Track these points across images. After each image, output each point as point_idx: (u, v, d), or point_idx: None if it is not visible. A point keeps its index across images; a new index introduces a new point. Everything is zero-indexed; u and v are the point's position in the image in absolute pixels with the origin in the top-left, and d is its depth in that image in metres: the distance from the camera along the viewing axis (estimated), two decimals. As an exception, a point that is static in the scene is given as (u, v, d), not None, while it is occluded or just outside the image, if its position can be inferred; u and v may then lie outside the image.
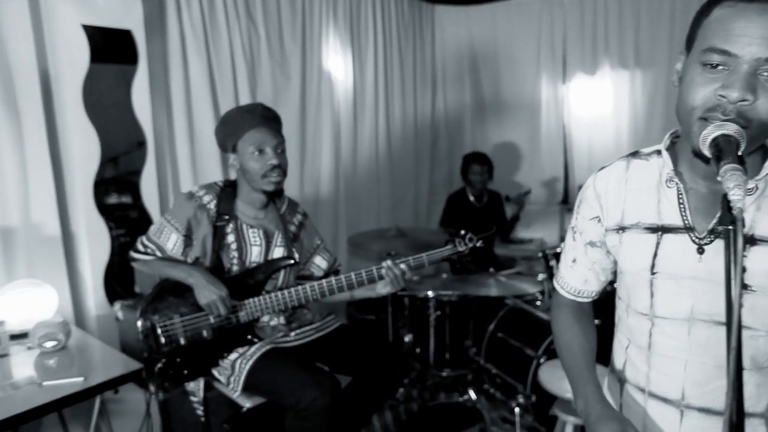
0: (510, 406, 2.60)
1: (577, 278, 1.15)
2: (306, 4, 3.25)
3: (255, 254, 1.82)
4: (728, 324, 0.68)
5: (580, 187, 1.06)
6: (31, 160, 2.21)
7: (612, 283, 1.15)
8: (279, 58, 3.15)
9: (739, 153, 0.74)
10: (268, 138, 1.78)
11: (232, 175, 1.91)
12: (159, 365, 1.67)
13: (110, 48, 2.32)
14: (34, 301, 2.10)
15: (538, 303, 2.91)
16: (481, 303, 2.98)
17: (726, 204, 0.70)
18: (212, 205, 1.80)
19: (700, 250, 0.90)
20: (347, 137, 3.63)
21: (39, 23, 2.21)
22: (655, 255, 0.95)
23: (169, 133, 2.70)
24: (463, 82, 4.56)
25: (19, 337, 2.02)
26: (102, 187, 2.33)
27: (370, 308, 3.27)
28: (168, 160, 2.70)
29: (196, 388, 1.78)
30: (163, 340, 1.70)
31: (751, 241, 0.86)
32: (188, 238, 1.79)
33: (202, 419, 1.78)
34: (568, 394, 1.82)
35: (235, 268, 1.79)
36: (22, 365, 1.85)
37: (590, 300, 1.18)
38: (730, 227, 0.69)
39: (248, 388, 1.68)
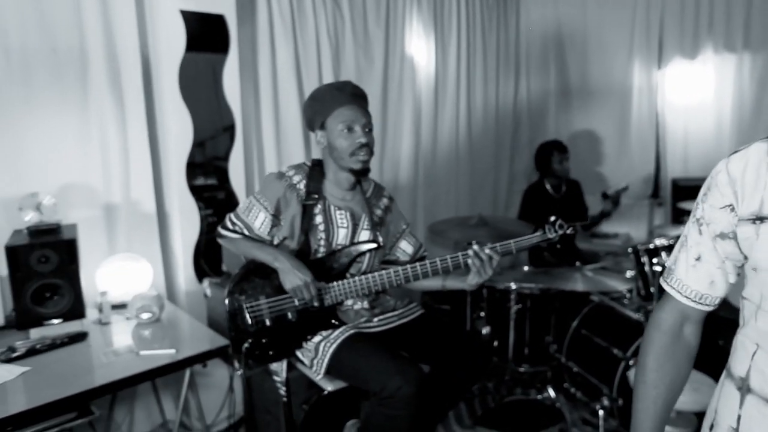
0: (593, 408, 2.48)
1: (701, 279, 1.00)
2: (391, -13, 3.22)
3: (342, 236, 1.81)
4: None
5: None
6: (132, 141, 2.34)
7: None
8: (363, 42, 3.14)
9: None
10: (357, 116, 1.76)
11: (316, 154, 1.90)
12: (246, 345, 1.71)
13: (204, 33, 2.39)
14: (131, 275, 2.22)
15: (626, 301, 2.76)
16: (563, 298, 2.85)
17: None
18: (302, 185, 1.80)
19: None
20: (428, 122, 3.58)
21: (142, 10, 2.32)
22: None
23: (255, 117, 2.77)
24: (548, 67, 4.39)
25: (118, 307, 2.15)
26: (193, 168, 2.42)
27: (446, 298, 3.23)
28: (254, 144, 2.77)
29: (279, 368, 1.81)
30: (249, 320, 1.74)
31: None
32: (276, 218, 1.80)
33: (285, 399, 1.81)
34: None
35: (321, 249, 1.79)
36: (122, 333, 1.98)
37: (711, 310, 1.02)
38: None
39: (331, 371, 1.69)
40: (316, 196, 1.79)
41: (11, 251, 1.84)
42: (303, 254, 1.77)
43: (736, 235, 0.94)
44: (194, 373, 1.99)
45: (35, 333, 1.89)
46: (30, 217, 2.02)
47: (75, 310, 1.97)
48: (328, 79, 2.96)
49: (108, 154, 2.29)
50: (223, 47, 2.45)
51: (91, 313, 2.09)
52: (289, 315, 1.76)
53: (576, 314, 2.74)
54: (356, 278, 1.76)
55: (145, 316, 2.02)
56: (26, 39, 2.06)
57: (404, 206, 3.47)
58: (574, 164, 3.57)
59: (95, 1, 2.16)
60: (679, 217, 3.73)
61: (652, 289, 2.58)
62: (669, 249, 2.60)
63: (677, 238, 1.14)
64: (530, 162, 4.41)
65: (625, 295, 2.78)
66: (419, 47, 3.45)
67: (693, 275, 1.01)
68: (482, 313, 3.00)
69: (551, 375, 2.86)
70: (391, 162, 3.44)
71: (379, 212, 1.93)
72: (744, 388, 0.95)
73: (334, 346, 1.67)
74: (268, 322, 1.74)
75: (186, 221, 2.48)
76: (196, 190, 2.48)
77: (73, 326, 1.95)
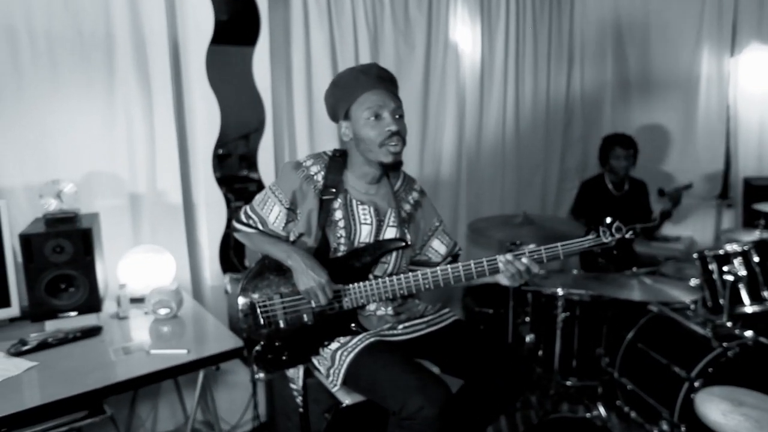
0: (649, 431, 2.22)
1: None
2: (434, -31, 3.03)
3: (364, 234, 1.64)
4: None
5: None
6: (159, 129, 2.26)
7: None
8: (403, 27, 2.97)
9: None
10: (385, 101, 1.57)
11: (343, 146, 1.74)
12: (257, 348, 1.57)
13: (234, 17, 2.28)
14: (153, 268, 2.14)
15: (689, 313, 2.47)
16: (617, 307, 2.60)
17: None
18: (320, 177, 1.64)
19: None
20: (472, 115, 3.36)
21: (170, -8, 2.23)
22: None
23: (287, 106, 2.64)
24: (605, 57, 4.07)
25: (138, 301, 2.07)
26: (221, 158, 2.31)
27: (488, 301, 3.02)
28: (285, 133, 2.65)
29: (296, 375, 1.66)
30: (262, 320, 1.59)
31: None
32: (292, 212, 1.65)
33: (301, 410, 1.66)
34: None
35: (342, 247, 1.62)
36: (139, 329, 1.89)
37: None
38: None
39: (348, 383, 1.52)
40: (335, 189, 1.62)
41: (25, 240, 1.78)
42: (321, 253, 1.61)
43: None
44: (210, 374, 1.88)
45: (51, 325, 1.83)
46: (50, 205, 1.96)
47: (90, 302, 1.90)
48: (366, 66, 2.80)
49: (134, 142, 2.23)
50: (253, 32, 2.34)
51: (113, 306, 2.02)
52: (305, 317, 1.60)
53: (631, 325, 2.48)
54: (379, 280, 1.58)
55: (162, 311, 1.92)
56: (51, 22, 2.01)
57: (446, 204, 3.29)
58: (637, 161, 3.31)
59: (122, -18, 2.09)
60: (753, 220, 3.35)
61: (721, 301, 2.29)
62: (742, 256, 2.30)
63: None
64: (582, 159, 4.13)
65: (689, 306, 2.50)
66: (464, 34, 3.24)
67: None
68: (527, 319, 2.79)
69: (602, 391, 2.61)
70: (433, 156, 3.25)
71: (407, 207, 1.74)
72: None
73: (352, 354, 1.50)
74: (281, 324, 1.59)
75: (212, 213, 2.39)
76: (226, 181, 2.37)
77: (89, 320, 1.88)
